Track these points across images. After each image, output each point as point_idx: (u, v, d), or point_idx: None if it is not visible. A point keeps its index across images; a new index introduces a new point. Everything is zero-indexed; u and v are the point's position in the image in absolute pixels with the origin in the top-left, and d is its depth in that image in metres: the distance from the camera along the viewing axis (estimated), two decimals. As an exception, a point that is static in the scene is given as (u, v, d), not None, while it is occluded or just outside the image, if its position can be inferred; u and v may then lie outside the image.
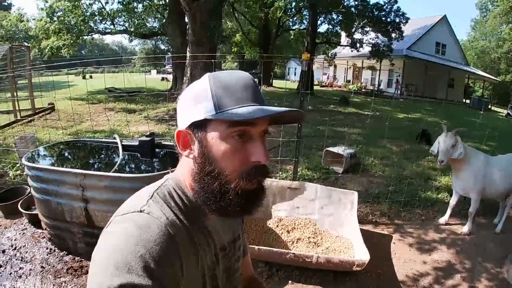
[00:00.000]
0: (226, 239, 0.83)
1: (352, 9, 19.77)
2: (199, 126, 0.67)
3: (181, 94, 0.73)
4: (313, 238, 3.32)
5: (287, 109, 0.66)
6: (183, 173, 0.74)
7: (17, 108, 8.57)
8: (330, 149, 5.69)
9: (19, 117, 8.36)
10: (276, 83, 25.66)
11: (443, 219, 3.93)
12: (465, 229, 3.71)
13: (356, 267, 2.72)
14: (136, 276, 0.54)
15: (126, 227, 0.60)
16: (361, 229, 3.21)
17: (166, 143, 3.63)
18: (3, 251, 3.06)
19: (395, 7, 19.36)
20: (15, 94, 8.54)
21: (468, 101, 24.05)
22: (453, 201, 3.88)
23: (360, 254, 2.88)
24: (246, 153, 0.67)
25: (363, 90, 24.30)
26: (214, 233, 0.77)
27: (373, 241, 3.42)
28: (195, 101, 0.67)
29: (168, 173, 0.81)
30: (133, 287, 0.53)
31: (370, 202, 4.36)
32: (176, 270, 0.61)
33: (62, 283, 2.64)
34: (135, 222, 0.61)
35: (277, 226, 3.48)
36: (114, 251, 0.56)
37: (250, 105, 0.65)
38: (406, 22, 19.60)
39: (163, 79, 23.65)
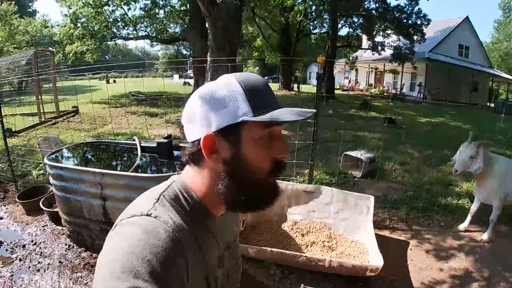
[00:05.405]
0: (229, 238, 0.85)
1: (373, 11, 19.60)
2: (232, 128, 0.66)
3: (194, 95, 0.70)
4: (328, 242, 3.30)
5: (313, 110, 0.70)
6: (195, 178, 0.73)
7: (41, 111, 8.83)
8: (349, 153, 5.63)
9: (43, 119, 8.62)
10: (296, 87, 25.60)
11: (462, 226, 3.82)
12: (485, 236, 3.59)
13: (370, 272, 2.68)
14: (142, 281, 0.54)
15: (133, 231, 0.60)
16: (377, 235, 3.16)
17: (184, 145, 3.69)
18: (24, 246, 3.19)
19: (416, 8, 19.15)
20: (39, 97, 8.81)
21: (492, 104, 23.29)
22: (474, 207, 3.77)
23: (374, 259, 2.84)
24: (273, 150, 0.70)
25: (385, 94, 23.97)
26: (218, 234, 0.77)
27: (389, 246, 3.36)
28: (224, 103, 0.65)
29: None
30: None
31: (388, 207, 4.29)
32: (182, 275, 0.61)
33: (78, 278, 2.73)
34: (142, 226, 0.61)
35: (291, 229, 3.48)
36: (121, 255, 0.56)
37: (281, 107, 0.69)
38: (428, 24, 19.30)
39: (185, 83, 24.05)
